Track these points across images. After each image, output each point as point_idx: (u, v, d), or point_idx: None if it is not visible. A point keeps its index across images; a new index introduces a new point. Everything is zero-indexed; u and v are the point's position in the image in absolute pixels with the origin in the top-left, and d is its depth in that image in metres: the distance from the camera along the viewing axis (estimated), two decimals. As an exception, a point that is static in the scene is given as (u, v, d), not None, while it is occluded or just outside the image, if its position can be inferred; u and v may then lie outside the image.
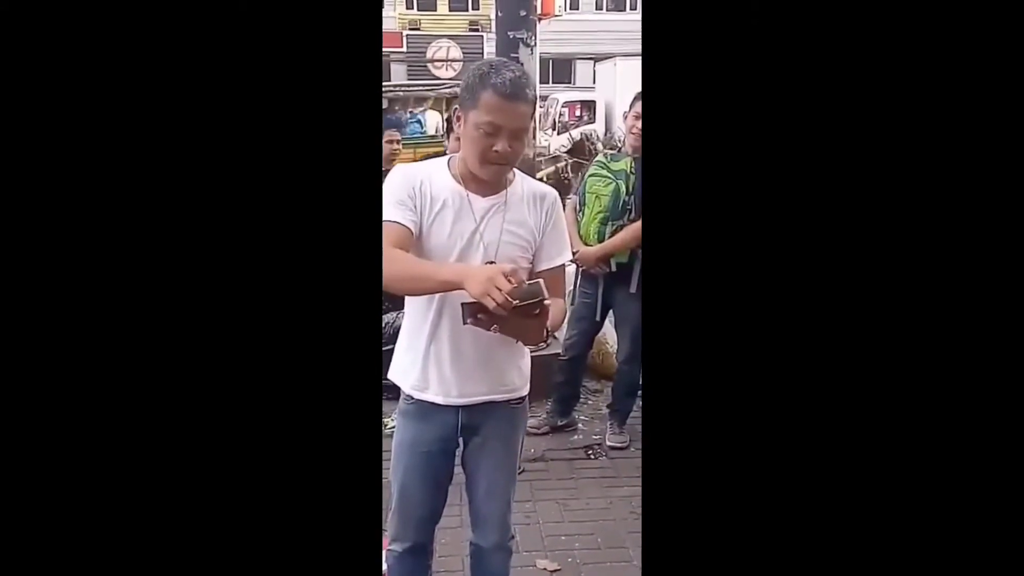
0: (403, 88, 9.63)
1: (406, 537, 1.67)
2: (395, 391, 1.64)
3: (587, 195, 2.95)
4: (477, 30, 19.12)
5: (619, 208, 2.86)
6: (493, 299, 1.27)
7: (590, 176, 2.99)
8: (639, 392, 3.11)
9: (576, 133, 11.81)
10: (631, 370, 3.06)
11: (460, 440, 1.63)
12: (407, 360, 1.60)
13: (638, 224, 2.81)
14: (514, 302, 1.28)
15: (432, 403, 1.58)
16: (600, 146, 9.22)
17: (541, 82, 8.65)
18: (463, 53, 16.54)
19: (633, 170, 2.85)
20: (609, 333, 3.35)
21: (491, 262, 1.46)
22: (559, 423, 3.23)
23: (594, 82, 16.72)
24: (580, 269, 3.04)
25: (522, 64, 3.09)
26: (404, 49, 18.59)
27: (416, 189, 1.48)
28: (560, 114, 14.45)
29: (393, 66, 18.08)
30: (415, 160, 2.66)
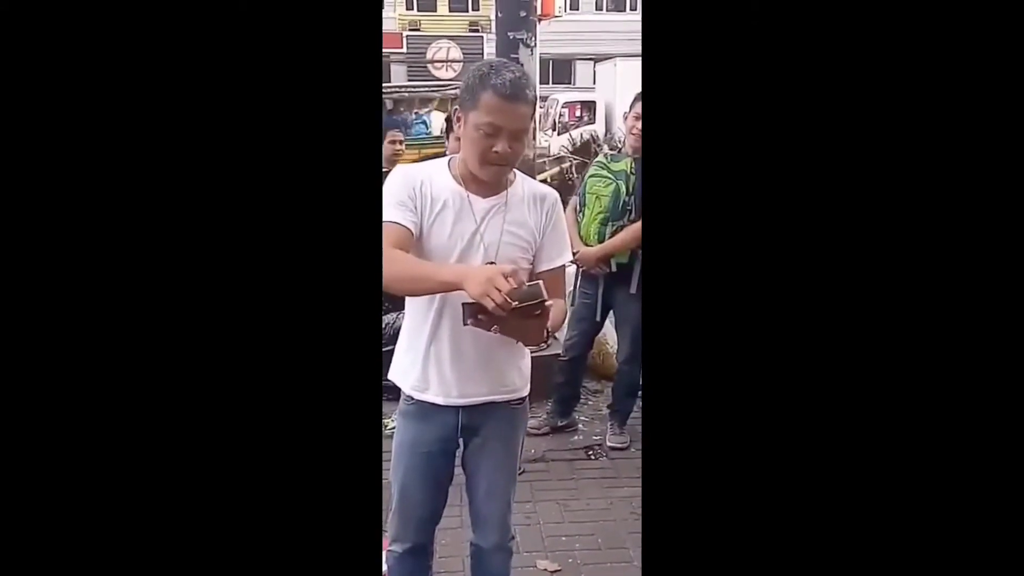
0: (408, 89, 9.65)
1: (406, 538, 1.67)
2: (395, 392, 1.64)
3: (587, 195, 2.95)
4: (477, 31, 19.10)
5: (619, 209, 2.86)
6: (492, 300, 1.27)
7: (590, 177, 2.99)
8: (639, 393, 3.11)
9: (582, 133, 11.80)
10: (631, 371, 3.06)
11: (460, 441, 1.63)
12: (407, 361, 1.60)
13: (638, 225, 2.81)
14: (513, 303, 1.28)
15: (432, 404, 1.57)
16: (606, 147, 9.21)
17: (541, 83, 8.65)
18: (463, 54, 16.55)
19: (633, 171, 2.86)
20: (609, 334, 3.35)
21: (491, 263, 1.46)
22: (559, 424, 3.23)
23: (594, 83, 16.72)
24: (580, 270, 3.04)
25: (522, 65, 3.09)
26: (404, 50, 18.57)
27: (416, 190, 1.48)
28: (560, 115, 14.43)
29: (393, 67, 18.06)
30: (419, 161, 2.66)
